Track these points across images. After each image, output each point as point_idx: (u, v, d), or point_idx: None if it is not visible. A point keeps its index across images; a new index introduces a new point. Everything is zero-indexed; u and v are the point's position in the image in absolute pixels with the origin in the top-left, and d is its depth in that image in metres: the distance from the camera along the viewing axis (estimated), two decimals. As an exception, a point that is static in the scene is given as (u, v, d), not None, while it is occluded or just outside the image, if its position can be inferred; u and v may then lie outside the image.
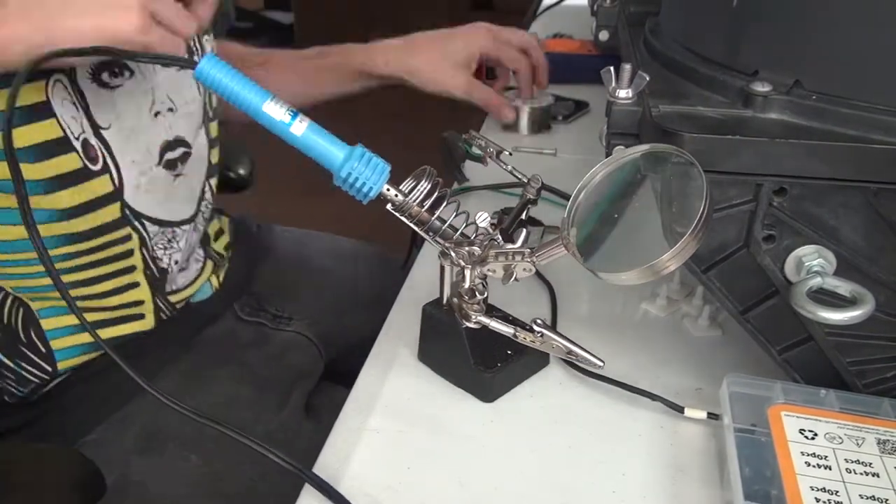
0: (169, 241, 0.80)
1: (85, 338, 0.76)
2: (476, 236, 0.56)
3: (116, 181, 0.73)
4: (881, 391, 0.53)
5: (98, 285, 0.75)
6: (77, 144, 0.69)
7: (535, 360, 0.61)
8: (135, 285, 0.78)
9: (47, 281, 0.69)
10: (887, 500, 0.45)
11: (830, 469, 0.47)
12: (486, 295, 0.57)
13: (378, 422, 0.57)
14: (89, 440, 0.77)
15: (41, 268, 0.68)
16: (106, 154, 0.71)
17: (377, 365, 0.63)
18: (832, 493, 0.45)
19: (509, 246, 0.55)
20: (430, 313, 0.61)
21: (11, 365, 0.74)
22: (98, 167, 0.71)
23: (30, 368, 0.75)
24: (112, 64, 0.70)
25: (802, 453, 0.48)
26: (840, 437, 0.49)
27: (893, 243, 0.48)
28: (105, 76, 0.70)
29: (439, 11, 3.92)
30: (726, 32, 0.53)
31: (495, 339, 0.57)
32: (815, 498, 0.45)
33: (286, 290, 0.97)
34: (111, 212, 0.73)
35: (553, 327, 0.66)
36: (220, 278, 0.91)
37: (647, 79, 0.51)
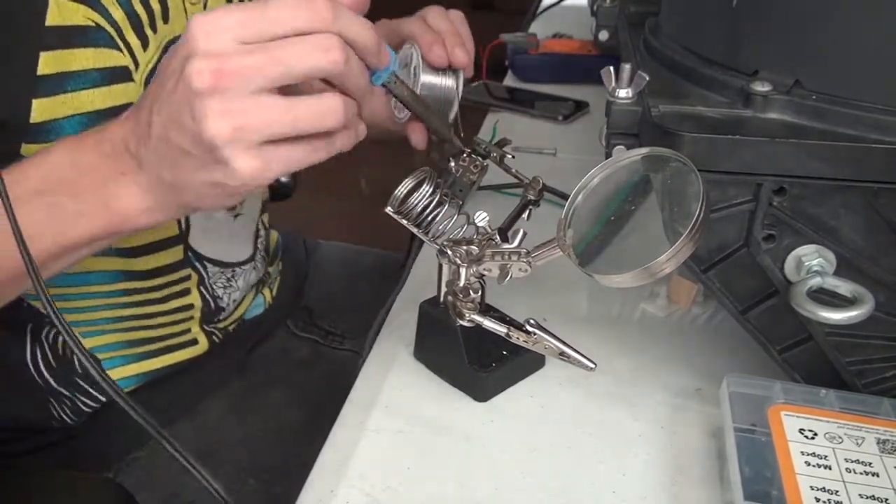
0: (228, 279, 0.78)
1: (137, 368, 0.74)
2: (475, 236, 0.56)
3: (183, 224, 0.70)
4: (881, 391, 0.53)
5: (153, 319, 0.73)
6: None
7: (530, 362, 0.61)
8: (189, 319, 0.76)
9: (101, 315, 0.70)
10: (887, 499, 0.45)
11: (830, 469, 0.47)
12: (480, 294, 0.57)
13: (378, 422, 0.57)
14: (140, 456, 0.75)
15: (95, 301, 0.69)
16: None
17: (377, 364, 0.63)
18: (832, 493, 0.45)
19: (506, 246, 0.55)
20: (426, 311, 0.61)
21: (67, 394, 0.72)
22: None
23: (84, 399, 0.73)
24: None
25: (802, 453, 0.48)
26: (840, 437, 0.49)
27: (893, 243, 0.48)
28: None
29: (439, 11, 3.90)
30: (726, 32, 0.53)
31: (491, 338, 0.58)
32: (815, 498, 0.45)
33: (336, 306, 0.94)
34: (174, 253, 0.71)
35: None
36: (273, 291, 0.89)
37: (647, 79, 0.51)
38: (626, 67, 0.51)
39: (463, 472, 0.53)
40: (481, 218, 0.56)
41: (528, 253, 0.53)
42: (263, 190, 0.83)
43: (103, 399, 0.73)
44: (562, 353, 0.54)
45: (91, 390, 0.72)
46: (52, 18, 0.55)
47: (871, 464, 0.48)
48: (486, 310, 0.59)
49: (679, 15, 0.60)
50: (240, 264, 0.79)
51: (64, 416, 0.73)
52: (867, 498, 0.45)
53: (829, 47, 0.48)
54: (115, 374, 0.73)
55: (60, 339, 0.70)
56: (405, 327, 0.65)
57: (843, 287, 0.48)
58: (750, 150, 0.47)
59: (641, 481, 0.53)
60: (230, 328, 0.81)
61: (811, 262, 0.49)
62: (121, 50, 0.60)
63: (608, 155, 0.52)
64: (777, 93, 0.48)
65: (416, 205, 0.57)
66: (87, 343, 0.71)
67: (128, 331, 0.72)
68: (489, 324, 0.56)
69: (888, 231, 0.48)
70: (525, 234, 0.55)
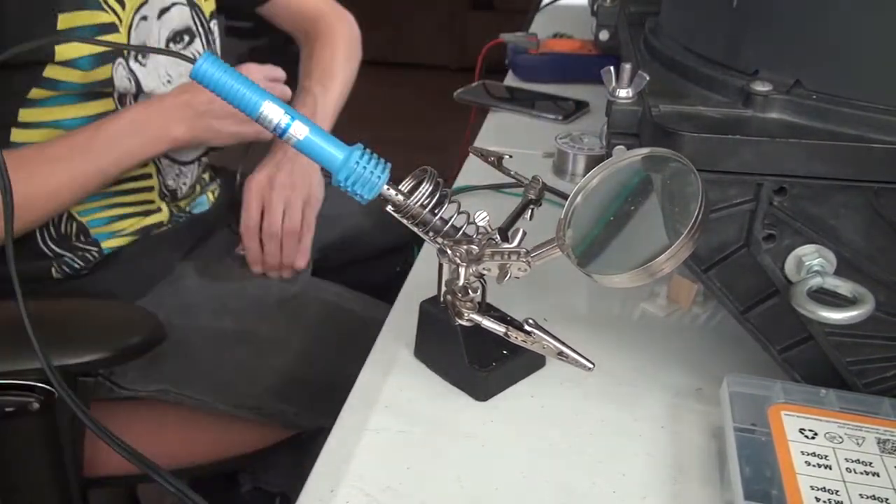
0: (177, 175, 1.01)
1: (116, 227, 0.95)
2: (475, 235, 0.56)
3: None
4: (881, 391, 0.53)
5: (126, 196, 0.96)
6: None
7: (530, 361, 0.61)
8: (151, 195, 0.99)
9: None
10: (887, 499, 0.45)
11: (830, 468, 0.47)
12: (479, 293, 0.57)
13: (378, 422, 0.57)
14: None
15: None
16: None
17: (377, 364, 0.63)
18: (832, 493, 0.45)
19: (505, 245, 0.55)
20: (427, 310, 0.61)
21: (68, 254, 0.93)
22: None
23: (82, 254, 0.93)
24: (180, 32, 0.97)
25: (802, 453, 0.48)
26: (840, 437, 0.49)
27: (893, 243, 0.48)
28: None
29: (439, 11, 3.92)
30: (726, 32, 0.53)
31: (491, 338, 0.57)
32: (816, 497, 0.45)
33: None
34: None
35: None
36: (215, 194, 1.11)
37: (647, 78, 0.51)
38: (627, 67, 0.51)
39: (463, 472, 0.53)
40: (481, 217, 0.56)
41: (527, 253, 0.53)
42: None
43: (96, 251, 0.94)
44: (560, 353, 0.54)
45: (86, 247, 0.93)
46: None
47: (871, 463, 0.48)
48: (487, 309, 0.59)
49: (679, 15, 0.60)
50: (186, 164, 1.04)
51: (64, 268, 0.93)
52: (867, 498, 0.45)
53: (829, 47, 0.48)
54: (101, 230, 0.94)
55: (62, 219, 0.92)
56: (405, 327, 0.65)
57: (844, 287, 0.48)
58: (750, 150, 0.47)
59: (641, 481, 0.53)
60: (185, 208, 1.04)
61: (811, 261, 0.49)
62: (106, 11, 0.87)
63: (608, 155, 0.52)
64: (777, 93, 0.48)
65: (417, 203, 0.57)
66: (76, 209, 0.92)
67: (107, 208, 0.95)
68: (488, 323, 0.56)
69: (888, 231, 0.48)
70: (525, 233, 0.55)
